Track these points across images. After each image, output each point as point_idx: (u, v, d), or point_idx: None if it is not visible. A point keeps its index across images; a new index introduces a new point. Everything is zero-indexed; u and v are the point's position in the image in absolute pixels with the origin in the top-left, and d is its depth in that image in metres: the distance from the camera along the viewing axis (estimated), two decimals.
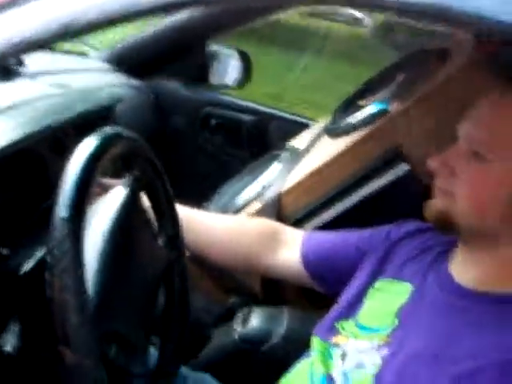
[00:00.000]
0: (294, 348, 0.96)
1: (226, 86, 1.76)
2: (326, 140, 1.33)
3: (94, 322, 0.62)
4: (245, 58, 1.72)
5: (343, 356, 0.82)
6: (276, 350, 1.08)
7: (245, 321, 1.13)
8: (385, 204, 1.19)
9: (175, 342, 0.91)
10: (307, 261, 1.04)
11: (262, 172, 1.42)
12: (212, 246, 1.11)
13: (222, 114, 1.74)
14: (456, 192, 0.76)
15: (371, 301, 0.88)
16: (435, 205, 0.79)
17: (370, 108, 1.23)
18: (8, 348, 0.75)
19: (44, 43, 0.71)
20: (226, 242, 1.11)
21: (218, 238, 1.11)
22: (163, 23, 1.69)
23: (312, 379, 0.84)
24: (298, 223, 1.23)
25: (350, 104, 1.37)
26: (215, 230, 1.12)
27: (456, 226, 0.77)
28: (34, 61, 1.28)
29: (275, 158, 1.44)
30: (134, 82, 1.67)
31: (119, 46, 1.74)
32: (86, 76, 1.54)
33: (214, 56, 1.74)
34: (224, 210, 1.38)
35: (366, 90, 1.38)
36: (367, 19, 7.15)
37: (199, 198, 1.41)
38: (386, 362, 0.75)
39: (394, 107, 1.19)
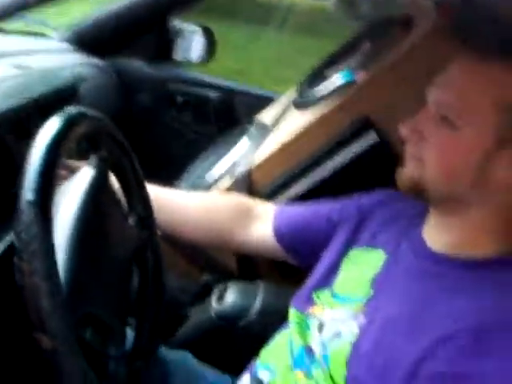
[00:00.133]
0: (271, 322, 0.97)
1: (191, 63, 1.74)
2: (293, 113, 1.33)
3: (68, 306, 0.61)
4: (208, 34, 1.70)
5: (320, 326, 0.82)
6: (253, 325, 1.09)
7: (221, 297, 1.13)
8: (356, 174, 1.19)
9: (151, 322, 0.90)
10: (280, 234, 1.04)
11: (231, 148, 1.41)
12: (184, 225, 1.11)
13: (187, 91, 1.72)
14: (425, 157, 0.76)
15: (346, 271, 0.89)
16: (406, 173, 0.79)
17: (336, 79, 1.23)
18: None
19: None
20: (198, 220, 1.10)
21: (190, 216, 1.11)
22: (124, 0, 1.65)
23: (292, 351, 0.84)
24: (269, 197, 1.23)
25: (316, 76, 1.37)
26: (187, 208, 1.11)
27: (427, 192, 0.77)
28: None
29: (243, 132, 1.43)
30: (97, 61, 1.63)
31: (79, 25, 1.69)
32: (47, 57, 1.49)
33: (177, 32, 1.72)
34: (195, 187, 1.37)
35: (332, 62, 1.38)
36: None
37: (169, 177, 1.40)
38: (363, 330, 0.76)
39: (360, 77, 1.18)
